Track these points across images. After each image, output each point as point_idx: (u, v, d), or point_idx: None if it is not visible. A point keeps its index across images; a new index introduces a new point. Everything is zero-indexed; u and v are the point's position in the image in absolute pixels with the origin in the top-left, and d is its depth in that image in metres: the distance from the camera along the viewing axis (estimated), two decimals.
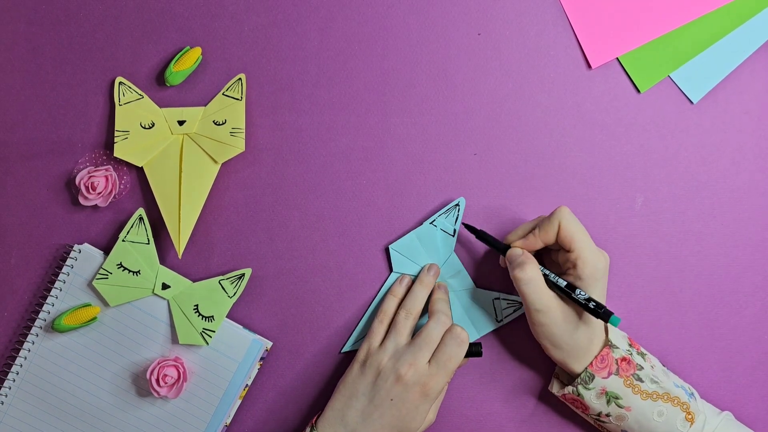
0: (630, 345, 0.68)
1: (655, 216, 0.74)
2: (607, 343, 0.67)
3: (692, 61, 0.74)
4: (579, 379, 0.66)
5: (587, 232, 0.67)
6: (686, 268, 0.74)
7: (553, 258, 0.71)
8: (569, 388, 0.67)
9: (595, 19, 0.75)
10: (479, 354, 0.70)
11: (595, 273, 0.66)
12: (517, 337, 0.74)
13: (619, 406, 0.66)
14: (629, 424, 0.67)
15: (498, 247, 0.71)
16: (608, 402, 0.66)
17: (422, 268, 0.73)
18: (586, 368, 0.66)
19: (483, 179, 0.74)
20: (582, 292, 0.66)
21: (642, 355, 0.68)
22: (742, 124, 0.75)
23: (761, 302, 0.74)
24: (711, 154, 0.75)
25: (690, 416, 0.66)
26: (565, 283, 0.67)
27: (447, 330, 0.68)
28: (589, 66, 0.75)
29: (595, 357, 0.66)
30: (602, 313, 0.64)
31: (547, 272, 0.68)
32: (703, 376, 0.73)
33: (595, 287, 0.66)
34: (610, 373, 0.66)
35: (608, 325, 0.67)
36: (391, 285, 0.73)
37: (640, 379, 0.66)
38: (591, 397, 0.67)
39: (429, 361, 0.67)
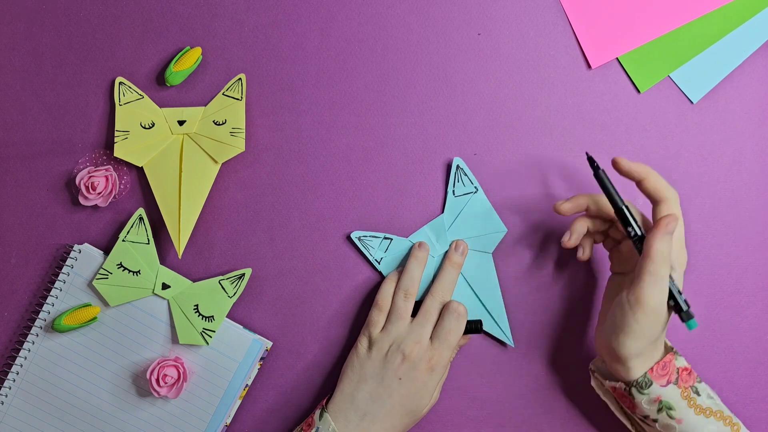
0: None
1: None
2: (671, 349, 0.64)
3: (692, 61, 0.74)
4: (635, 383, 0.62)
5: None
6: (687, 269, 0.74)
7: (623, 251, 0.67)
8: (621, 385, 0.63)
9: (595, 19, 0.75)
10: (479, 330, 0.71)
11: (683, 263, 0.64)
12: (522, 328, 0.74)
13: (671, 417, 0.63)
14: None
15: (611, 196, 0.65)
16: (659, 410, 0.63)
17: (413, 244, 0.73)
18: (645, 373, 0.62)
19: (483, 179, 0.74)
20: (680, 292, 0.62)
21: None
22: (742, 124, 0.75)
23: (762, 302, 0.74)
24: (711, 154, 0.75)
25: None
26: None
27: (445, 305, 0.70)
28: (588, 66, 0.75)
29: (657, 362, 0.62)
30: (684, 312, 0.61)
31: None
32: (704, 377, 0.73)
33: (676, 283, 0.63)
34: (669, 382, 0.62)
35: None
36: (389, 274, 0.73)
37: (697, 392, 0.63)
38: (642, 401, 0.63)
39: (431, 337, 0.69)
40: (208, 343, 0.72)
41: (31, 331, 0.73)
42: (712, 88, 0.74)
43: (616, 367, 0.64)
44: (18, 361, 0.73)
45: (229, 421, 0.73)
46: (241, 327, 0.73)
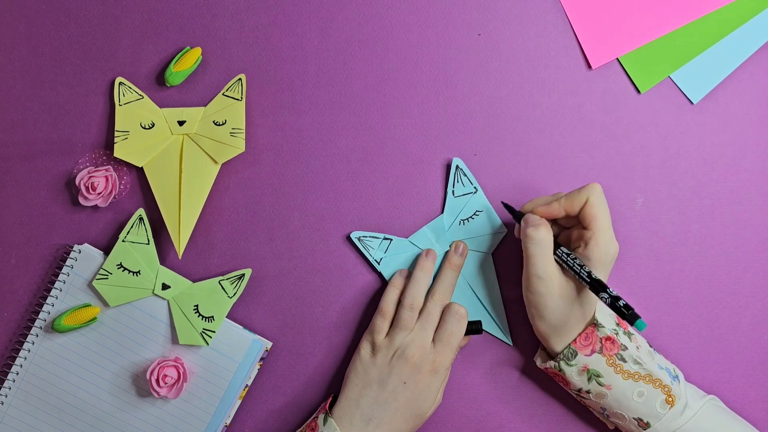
0: (617, 324, 0.68)
1: (655, 216, 0.74)
2: (593, 322, 0.67)
3: (692, 62, 0.74)
4: (561, 355, 0.67)
5: (610, 218, 0.66)
6: (686, 269, 0.74)
7: (562, 239, 0.70)
8: (551, 363, 0.68)
9: (596, 19, 0.75)
10: (479, 331, 0.71)
11: (604, 258, 0.66)
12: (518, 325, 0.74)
13: (600, 384, 0.66)
14: (608, 402, 0.67)
15: (515, 214, 0.70)
16: (589, 379, 0.66)
17: (420, 252, 0.73)
18: (569, 345, 0.66)
19: (483, 180, 0.74)
20: (605, 295, 0.63)
21: (629, 335, 0.68)
22: (743, 124, 0.75)
23: (761, 302, 0.74)
24: (711, 154, 0.75)
25: (671, 399, 0.66)
26: (589, 281, 0.64)
27: (446, 307, 0.70)
28: (589, 66, 0.75)
29: (580, 334, 0.66)
30: (629, 314, 0.62)
31: (573, 260, 0.66)
32: (704, 377, 0.73)
33: (599, 272, 0.66)
34: (593, 351, 0.66)
35: (598, 304, 0.67)
36: (391, 277, 0.73)
37: (623, 359, 0.66)
38: (572, 373, 0.67)
39: (433, 339, 0.69)
40: (208, 344, 0.72)
41: (31, 331, 0.73)
42: (712, 89, 0.74)
43: (546, 345, 0.68)
44: (18, 361, 0.73)
45: (229, 421, 0.73)
46: (241, 327, 0.73)
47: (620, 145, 0.75)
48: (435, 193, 0.74)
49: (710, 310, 0.74)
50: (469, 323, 0.71)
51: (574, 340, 0.66)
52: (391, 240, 0.73)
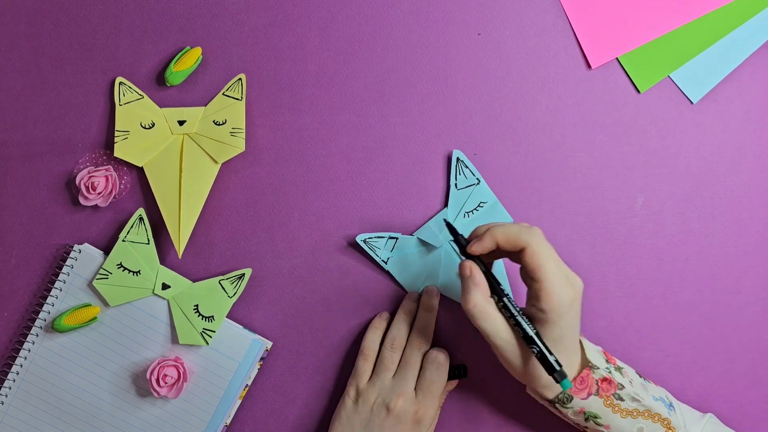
0: (607, 361, 0.65)
1: (655, 216, 0.74)
2: (587, 365, 0.64)
3: (692, 61, 0.74)
4: (556, 398, 0.64)
5: (559, 259, 0.61)
6: (687, 269, 0.74)
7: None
8: (546, 402, 0.66)
9: (595, 19, 0.75)
10: (464, 376, 0.71)
11: (558, 308, 0.60)
12: None
13: (598, 425, 0.64)
14: None
15: (460, 248, 0.65)
16: (587, 420, 0.64)
17: (406, 295, 0.73)
18: (563, 390, 0.63)
19: (483, 179, 0.74)
20: (535, 349, 0.60)
21: (619, 370, 0.65)
22: (743, 124, 0.75)
23: (762, 302, 0.74)
24: (711, 154, 0.75)
25: (671, 430, 0.65)
26: (522, 334, 0.61)
27: (425, 355, 0.69)
28: (588, 66, 0.75)
29: (575, 378, 0.63)
30: (556, 373, 0.59)
31: (509, 314, 0.62)
32: (704, 377, 0.73)
33: (557, 321, 0.61)
34: (589, 394, 0.63)
35: (584, 342, 0.65)
36: (372, 319, 0.73)
37: (620, 398, 0.64)
38: (568, 413, 0.65)
39: (415, 388, 0.68)
40: (208, 343, 0.72)
41: (31, 331, 0.73)
42: (712, 89, 0.74)
43: (542, 391, 0.64)
44: (18, 361, 0.73)
45: (229, 421, 0.73)
46: (241, 327, 0.73)
47: (620, 144, 0.75)
48: (436, 191, 0.74)
49: (711, 310, 0.74)
50: (453, 368, 0.70)
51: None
52: (397, 238, 0.73)
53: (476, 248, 0.62)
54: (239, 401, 0.73)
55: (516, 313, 0.62)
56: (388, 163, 0.74)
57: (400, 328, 0.70)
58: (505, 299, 0.62)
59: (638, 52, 0.74)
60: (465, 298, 0.62)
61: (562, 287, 0.60)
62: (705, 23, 0.74)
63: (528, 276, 0.62)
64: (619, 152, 0.75)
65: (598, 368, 0.64)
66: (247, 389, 0.73)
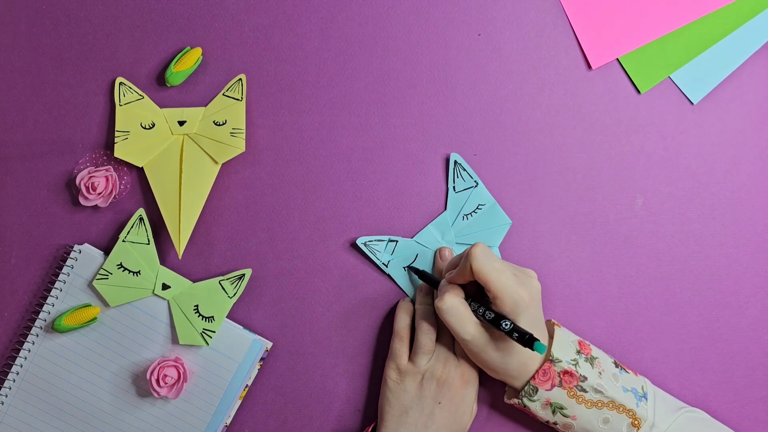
0: (578, 351, 0.67)
1: (655, 216, 0.74)
2: (548, 358, 0.66)
3: (692, 62, 0.74)
4: (523, 392, 0.67)
5: (505, 268, 0.65)
6: (686, 269, 0.74)
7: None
8: (515, 399, 0.68)
9: (596, 19, 0.75)
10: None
11: (515, 308, 0.64)
12: None
13: (565, 416, 0.67)
14: (576, 431, 0.67)
15: (434, 282, 0.70)
16: (554, 412, 0.67)
17: (419, 286, 0.74)
18: (528, 381, 0.66)
19: (483, 180, 0.74)
20: (506, 323, 0.63)
21: (591, 360, 0.67)
22: (743, 125, 0.75)
23: (761, 303, 0.74)
24: (711, 155, 0.75)
25: (636, 422, 0.66)
26: (492, 315, 0.65)
27: None
28: (589, 67, 0.75)
29: (537, 371, 0.66)
30: (526, 339, 0.62)
31: (477, 305, 0.66)
32: (704, 377, 0.73)
33: (520, 319, 0.64)
34: (553, 386, 0.66)
35: (557, 333, 0.67)
36: (397, 303, 0.73)
37: (583, 390, 0.66)
38: (537, 408, 0.67)
39: (455, 351, 0.70)
40: (208, 344, 0.72)
41: (31, 331, 0.73)
42: (712, 89, 0.74)
43: (512, 382, 0.68)
44: (18, 361, 0.73)
45: (229, 421, 0.73)
46: (241, 327, 0.73)
47: (620, 145, 0.75)
48: (437, 191, 0.74)
49: (710, 311, 0.74)
50: None
51: (533, 376, 0.66)
52: (397, 241, 0.73)
53: (450, 279, 0.68)
54: (239, 401, 0.73)
55: (483, 304, 0.66)
56: (388, 164, 0.74)
57: (427, 312, 0.71)
58: (471, 298, 0.67)
59: (639, 53, 0.74)
60: (440, 298, 0.66)
61: (514, 291, 0.64)
62: (705, 24, 0.74)
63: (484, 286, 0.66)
64: (619, 153, 0.75)
65: (560, 361, 0.66)
66: (247, 389, 0.73)
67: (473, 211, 0.73)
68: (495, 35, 0.75)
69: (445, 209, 0.74)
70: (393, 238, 0.73)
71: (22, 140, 0.74)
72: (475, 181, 0.74)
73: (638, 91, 0.75)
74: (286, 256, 0.74)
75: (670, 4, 0.74)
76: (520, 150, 0.74)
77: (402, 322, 0.72)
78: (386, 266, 0.73)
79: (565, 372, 0.66)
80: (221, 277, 0.72)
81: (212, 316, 0.72)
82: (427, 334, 0.70)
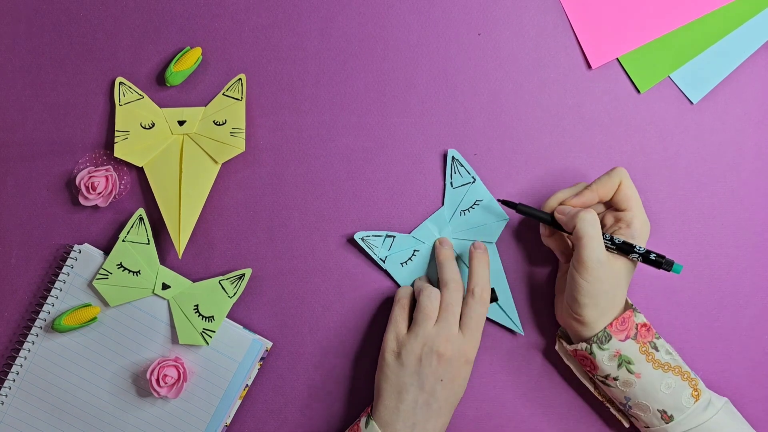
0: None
1: (655, 216, 0.74)
2: (630, 306, 0.66)
3: (692, 62, 0.74)
4: (595, 337, 0.65)
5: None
6: (686, 269, 0.74)
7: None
8: (582, 345, 0.66)
9: (596, 19, 0.75)
10: (495, 300, 0.72)
11: (646, 232, 0.67)
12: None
13: (630, 372, 0.65)
14: (635, 391, 0.66)
15: (541, 217, 0.69)
16: (619, 365, 0.65)
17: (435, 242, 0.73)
18: (604, 328, 0.65)
19: (483, 180, 0.74)
20: (640, 248, 0.65)
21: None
22: (742, 124, 0.75)
23: (761, 302, 0.74)
24: (711, 154, 0.75)
25: (697, 393, 0.65)
26: (621, 240, 0.66)
27: (469, 292, 0.68)
28: (589, 66, 0.75)
29: (616, 318, 0.65)
30: (665, 262, 0.65)
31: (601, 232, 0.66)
32: (704, 377, 0.73)
33: (637, 244, 0.66)
34: (627, 337, 0.65)
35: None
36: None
37: (656, 348, 0.66)
38: (603, 358, 0.66)
39: (460, 327, 0.68)
40: (208, 344, 0.72)
41: (31, 331, 0.73)
42: (712, 89, 0.74)
43: (578, 329, 0.67)
44: (18, 361, 0.73)
45: (229, 421, 0.73)
46: (241, 327, 0.73)
47: (620, 144, 0.75)
48: (437, 191, 0.74)
49: (710, 310, 0.74)
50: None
51: (610, 324, 0.65)
52: (394, 237, 0.73)
53: (577, 202, 0.68)
54: (239, 401, 0.73)
55: (608, 234, 0.67)
56: (387, 163, 0.74)
57: (430, 279, 0.71)
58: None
59: (638, 53, 0.74)
60: (582, 216, 0.65)
61: (645, 219, 0.67)
62: (705, 24, 0.74)
63: (616, 212, 0.68)
64: (619, 152, 0.75)
65: (640, 313, 0.66)
66: (247, 389, 0.73)
67: (470, 207, 0.73)
68: (495, 35, 0.75)
69: (443, 205, 0.74)
70: (390, 233, 0.73)
71: (22, 140, 0.74)
72: (473, 177, 0.74)
73: (638, 91, 0.75)
74: (286, 255, 0.74)
75: (670, 4, 0.74)
76: (519, 149, 0.74)
77: (403, 290, 0.71)
78: (383, 261, 0.73)
79: (643, 325, 0.66)
80: (221, 277, 0.72)
81: (212, 316, 0.72)
82: (429, 297, 0.68)
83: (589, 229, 0.64)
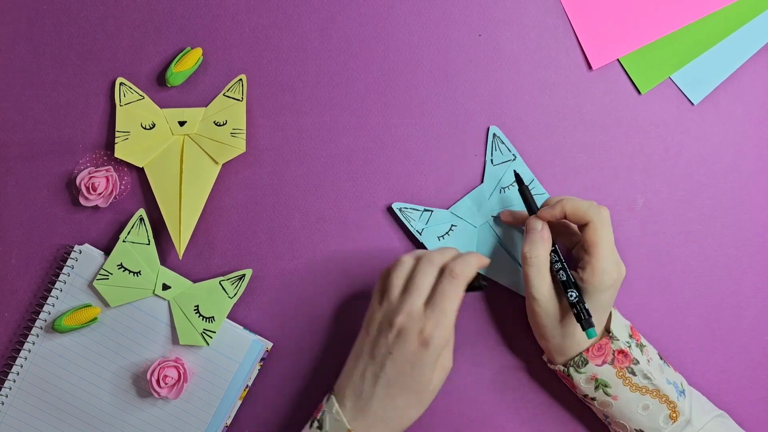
0: (630, 336, 0.67)
1: (655, 217, 0.74)
2: (607, 334, 0.66)
3: (693, 63, 0.74)
4: (572, 361, 0.66)
5: (613, 243, 0.65)
6: (687, 270, 0.74)
7: (570, 239, 0.70)
8: (560, 366, 0.67)
9: (596, 20, 0.75)
10: (482, 287, 0.66)
11: (599, 285, 0.64)
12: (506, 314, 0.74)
13: (607, 394, 0.66)
14: (612, 411, 0.67)
15: (529, 207, 0.69)
16: (596, 388, 0.66)
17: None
18: (581, 353, 0.66)
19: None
20: (573, 294, 0.64)
21: (641, 347, 0.67)
22: (743, 125, 0.75)
23: (762, 303, 0.74)
24: (712, 155, 0.75)
25: (674, 414, 0.66)
26: (564, 278, 0.65)
27: (443, 267, 0.64)
28: (589, 67, 0.75)
29: (593, 345, 0.66)
30: (584, 319, 0.63)
31: (556, 258, 0.66)
32: (704, 377, 0.73)
33: (593, 296, 0.65)
34: (604, 362, 0.66)
35: (613, 314, 0.67)
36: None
37: (632, 372, 0.66)
38: (580, 380, 0.66)
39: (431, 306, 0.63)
40: (208, 344, 0.72)
41: (32, 332, 0.73)
42: (712, 90, 0.74)
43: (550, 354, 0.68)
44: (18, 361, 0.73)
45: (229, 421, 0.73)
46: (242, 328, 0.73)
47: (621, 145, 0.75)
48: (437, 191, 0.74)
49: (711, 311, 0.74)
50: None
51: (587, 349, 0.66)
52: (432, 212, 0.73)
53: (545, 214, 0.66)
54: (239, 402, 0.73)
55: (563, 264, 0.66)
56: (388, 164, 0.74)
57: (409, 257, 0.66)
58: (553, 253, 0.67)
59: (639, 54, 0.74)
60: (530, 246, 0.65)
61: (609, 267, 0.65)
62: (706, 25, 0.74)
63: (583, 249, 0.66)
64: (620, 153, 0.75)
65: (618, 340, 0.66)
66: (247, 390, 0.73)
67: (511, 184, 0.73)
68: (495, 36, 0.75)
69: (482, 182, 0.74)
70: (428, 208, 0.73)
71: (22, 140, 0.74)
72: (513, 155, 0.73)
73: (639, 92, 0.75)
74: (286, 256, 0.74)
75: (671, 5, 0.74)
76: (519, 150, 0.74)
77: (385, 277, 0.66)
78: (420, 234, 0.73)
79: (621, 351, 0.66)
80: (221, 278, 0.72)
81: (212, 317, 0.72)
82: (398, 267, 0.65)
83: (528, 269, 0.65)
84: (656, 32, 0.74)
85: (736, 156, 0.75)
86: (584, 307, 0.64)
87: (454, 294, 0.62)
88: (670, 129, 0.75)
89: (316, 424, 0.66)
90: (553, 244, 0.67)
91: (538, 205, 0.70)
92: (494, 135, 0.73)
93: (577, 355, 0.66)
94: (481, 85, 0.75)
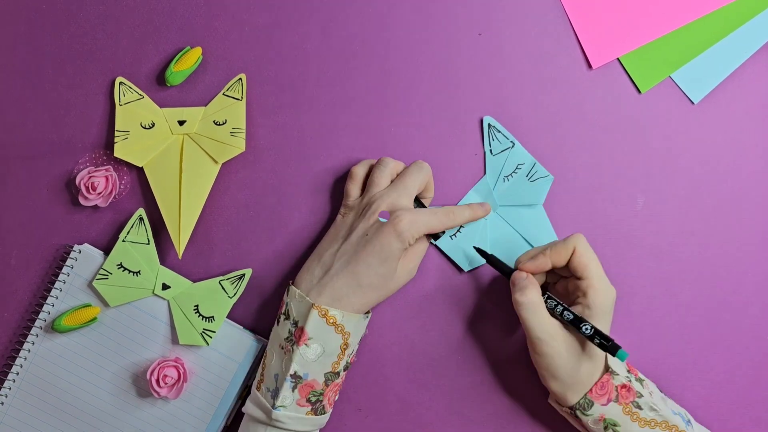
0: (628, 371, 0.67)
1: (656, 217, 0.74)
2: (608, 370, 0.66)
3: (693, 62, 0.74)
4: (578, 405, 0.65)
5: (600, 263, 0.66)
6: (688, 269, 0.74)
7: (559, 289, 0.70)
8: (567, 410, 0.67)
9: (596, 19, 0.74)
10: (436, 237, 0.71)
11: (604, 304, 0.65)
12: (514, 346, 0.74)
13: None
14: None
15: (505, 271, 0.69)
16: (606, 428, 0.66)
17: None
18: (585, 394, 0.65)
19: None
20: (587, 327, 0.64)
21: (640, 381, 0.67)
22: (744, 124, 0.75)
23: (763, 303, 0.74)
24: (712, 154, 0.75)
25: None
26: (571, 316, 0.64)
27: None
28: (589, 66, 0.75)
29: (595, 383, 0.65)
30: (609, 346, 0.62)
31: (555, 302, 0.66)
32: (705, 377, 0.73)
33: (602, 318, 0.65)
34: (609, 400, 0.65)
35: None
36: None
37: (639, 407, 0.65)
38: (588, 422, 0.66)
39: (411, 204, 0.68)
40: (208, 344, 0.72)
41: (31, 332, 0.72)
42: (713, 89, 0.74)
43: (561, 401, 0.67)
44: (18, 361, 0.73)
45: (229, 421, 0.73)
46: (242, 327, 0.73)
47: (621, 145, 0.75)
48: (439, 189, 0.74)
49: (712, 311, 0.74)
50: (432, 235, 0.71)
51: (590, 389, 0.65)
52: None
53: (529, 267, 0.67)
54: (239, 402, 0.73)
55: (564, 305, 0.66)
56: None
57: (390, 160, 0.71)
58: (548, 294, 0.67)
59: (639, 53, 0.74)
60: (520, 291, 0.65)
61: (607, 286, 0.66)
62: (706, 24, 0.74)
63: (575, 278, 0.66)
64: (620, 152, 0.74)
65: (618, 375, 0.66)
66: (247, 390, 0.73)
67: (513, 172, 0.73)
68: (496, 35, 0.75)
69: (484, 174, 0.74)
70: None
71: (22, 141, 0.74)
72: (512, 142, 0.73)
73: (639, 91, 0.75)
74: (286, 256, 0.74)
75: (671, 4, 0.74)
76: None
77: (360, 166, 0.71)
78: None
79: (623, 386, 0.65)
80: (221, 277, 0.72)
81: (212, 316, 0.72)
82: (380, 168, 0.70)
83: (524, 313, 0.65)
84: (656, 31, 0.74)
85: (737, 155, 0.75)
86: (603, 333, 0.63)
87: (416, 176, 0.69)
88: (670, 128, 0.75)
89: (282, 317, 0.67)
90: (546, 292, 0.67)
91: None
92: (489, 125, 0.73)
93: (581, 398, 0.65)
94: (482, 84, 0.75)
